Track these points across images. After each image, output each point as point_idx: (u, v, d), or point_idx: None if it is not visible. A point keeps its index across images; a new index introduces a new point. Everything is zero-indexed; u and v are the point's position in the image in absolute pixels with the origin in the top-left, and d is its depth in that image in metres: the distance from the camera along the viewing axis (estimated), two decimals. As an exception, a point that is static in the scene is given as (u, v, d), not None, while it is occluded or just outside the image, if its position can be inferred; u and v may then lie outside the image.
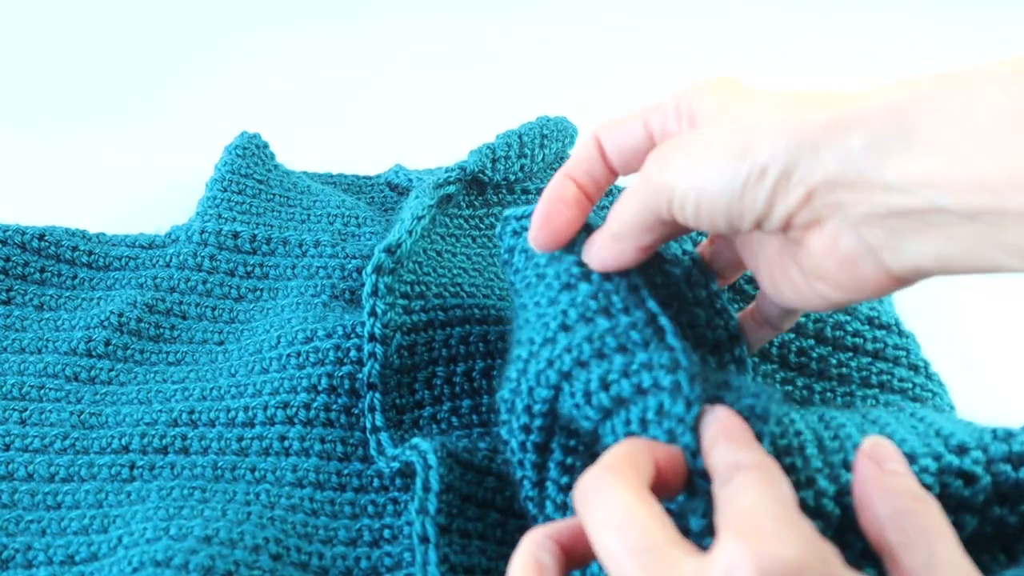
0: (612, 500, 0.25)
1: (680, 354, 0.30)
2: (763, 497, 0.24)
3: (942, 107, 0.25)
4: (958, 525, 0.29)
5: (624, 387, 0.30)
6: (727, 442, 0.27)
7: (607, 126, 0.34)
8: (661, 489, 0.28)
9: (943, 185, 0.24)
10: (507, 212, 0.39)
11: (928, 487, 0.29)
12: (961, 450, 0.30)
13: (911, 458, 0.30)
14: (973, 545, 0.32)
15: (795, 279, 0.31)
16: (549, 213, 0.34)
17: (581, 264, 0.34)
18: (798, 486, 0.29)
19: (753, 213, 0.28)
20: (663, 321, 0.31)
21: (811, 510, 0.28)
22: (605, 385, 0.30)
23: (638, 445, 0.28)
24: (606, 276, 0.33)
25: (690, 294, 0.35)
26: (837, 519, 0.29)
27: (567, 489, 0.33)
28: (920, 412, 0.34)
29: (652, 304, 0.32)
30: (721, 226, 0.29)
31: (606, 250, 0.33)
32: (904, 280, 0.28)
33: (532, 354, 0.33)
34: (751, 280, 0.47)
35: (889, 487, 0.27)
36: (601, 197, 0.35)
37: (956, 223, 0.25)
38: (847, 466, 0.29)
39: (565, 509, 0.33)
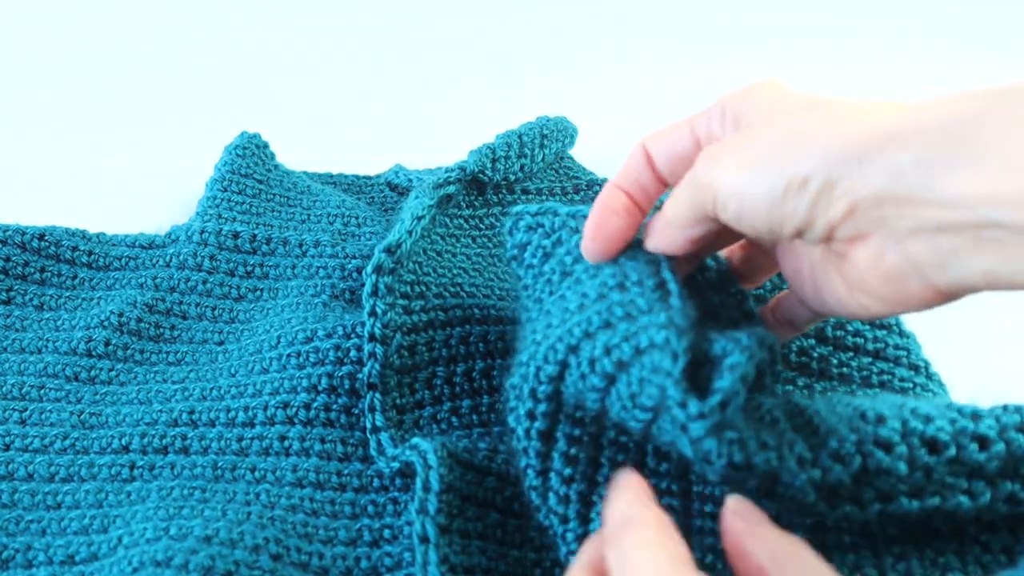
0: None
1: (676, 313, 0.30)
2: (652, 556, 0.25)
3: (1000, 121, 0.25)
4: (972, 493, 0.30)
5: (624, 350, 0.30)
6: (619, 499, 0.28)
7: (654, 135, 0.35)
8: None
9: (1001, 200, 0.24)
10: (517, 208, 0.39)
11: (944, 445, 0.30)
12: (975, 416, 0.31)
13: (903, 423, 0.31)
14: (982, 529, 0.33)
15: (838, 288, 0.31)
16: (601, 223, 0.34)
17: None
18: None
19: (794, 222, 0.28)
20: (671, 286, 0.32)
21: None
22: (607, 350, 0.31)
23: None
24: (630, 255, 0.34)
25: (716, 298, 0.36)
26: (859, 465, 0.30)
27: (570, 481, 0.33)
28: (901, 399, 0.35)
29: (665, 272, 0.32)
30: (762, 231, 0.29)
31: (659, 235, 0.33)
32: (950, 296, 0.28)
33: (546, 336, 0.33)
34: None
35: (761, 536, 0.28)
36: (652, 207, 0.36)
37: (1011, 239, 0.25)
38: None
39: (568, 502, 0.33)
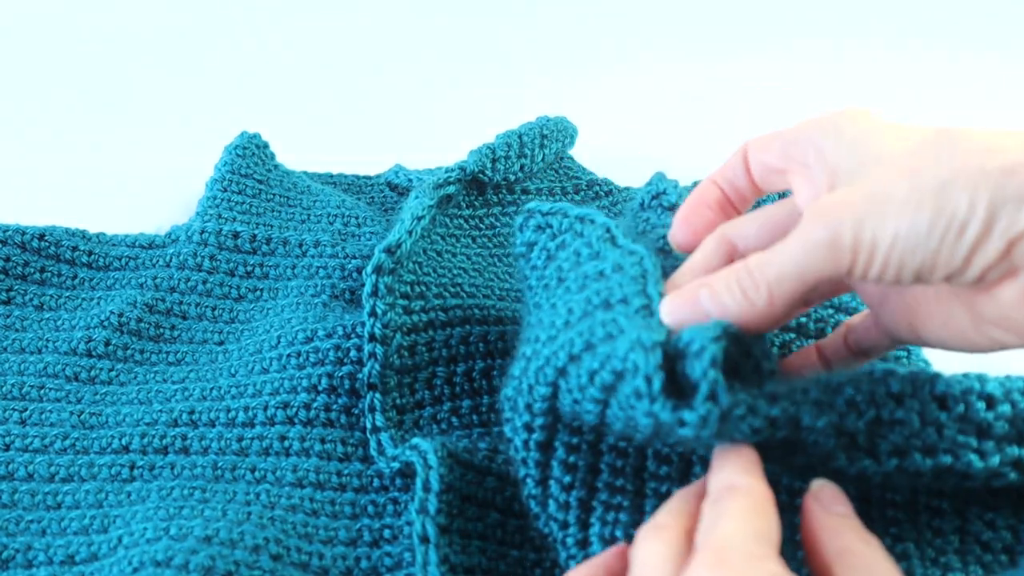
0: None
1: (644, 330, 0.29)
2: (744, 528, 0.25)
3: None
4: (981, 452, 0.31)
5: (605, 377, 0.30)
6: (731, 463, 0.28)
7: (757, 141, 0.33)
8: None
9: None
10: (530, 205, 0.38)
11: (954, 400, 0.31)
12: (981, 379, 0.32)
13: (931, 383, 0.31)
14: (985, 525, 0.33)
15: (960, 324, 0.29)
16: (691, 215, 0.34)
17: (602, 267, 0.34)
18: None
19: (948, 268, 0.27)
20: (655, 305, 0.31)
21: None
22: (591, 376, 0.30)
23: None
24: (617, 266, 0.33)
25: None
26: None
27: (570, 488, 0.33)
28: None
29: (652, 289, 0.31)
30: (906, 280, 0.28)
31: (745, 308, 0.29)
32: None
33: (535, 352, 0.33)
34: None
35: (836, 528, 0.27)
36: (746, 209, 0.35)
37: None
38: None
39: (568, 508, 0.33)
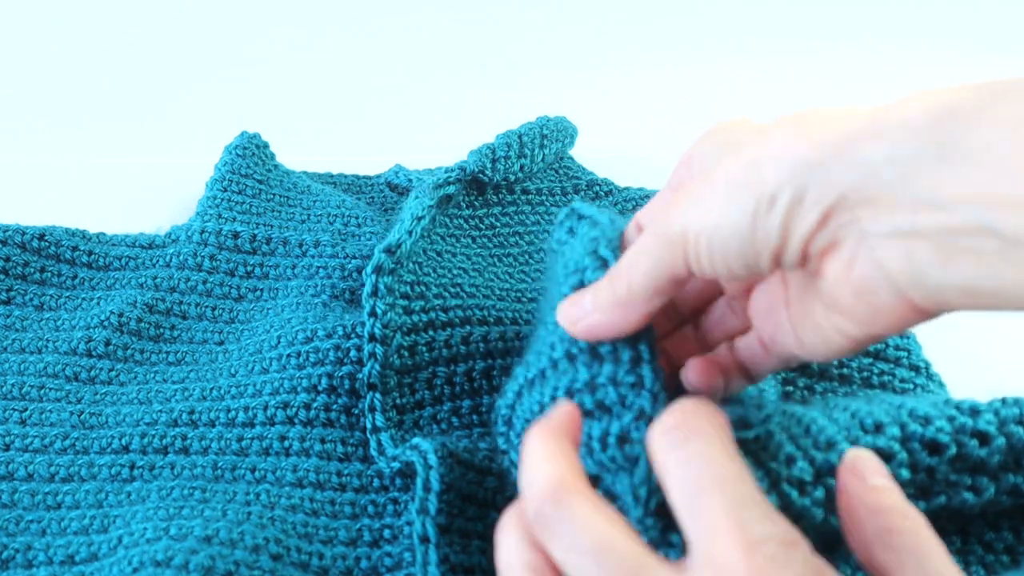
0: (583, 525, 0.24)
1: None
2: (729, 510, 0.23)
3: (990, 116, 0.22)
4: (976, 489, 0.30)
5: (603, 458, 0.29)
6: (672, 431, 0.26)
7: (644, 209, 0.33)
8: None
9: (990, 201, 0.22)
10: (576, 204, 0.36)
11: (945, 446, 0.30)
12: (974, 412, 0.31)
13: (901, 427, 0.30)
14: (985, 529, 0.33)
15: (816, 314, 0.28)
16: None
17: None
18: (777, 482, 0.29)
19: (768, 247, 0.26)
20: (645, 369, 0.29)
21: (793, 509, 0.29)
22: (589, 451, 0.29)
23: (569, 433, 0.27)
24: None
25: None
26: (821, 517, 0.29)
27: None
28: (899, 398, 0.35)
29: (643, 345, 0.29)
30: (739, 270, 0.27)
31: (607, 315, 0.29)
32: (926, 312, 0.25)
33: (528, 382, 0.33)
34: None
35: (875, 505, 0.26)
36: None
37: (995, 249, 0.22)
38: (820, 448, 0.30)
39: None
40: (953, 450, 0.30)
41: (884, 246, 0.24)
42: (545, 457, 0.26)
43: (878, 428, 0.30)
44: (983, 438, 0.30)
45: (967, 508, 0.31)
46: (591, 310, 0.30)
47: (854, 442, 0.30)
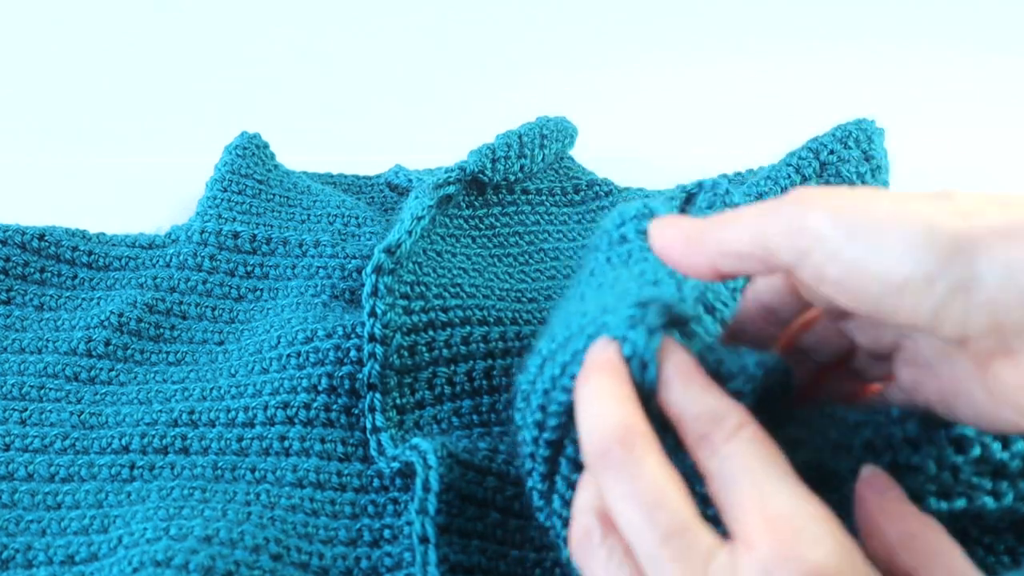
0: (642, 470, 0.23)
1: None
2: (780, 481, 0.22)
3: None
4: (996, 494, 0.30)
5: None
6: (692, 385, 0.25)
7: None
8: None
9: None
10: (624, 207, 0.34)
11: (970, 443, 0.30)
12: None
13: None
14: (985, 531, 0.33)
15: (976, 397, 0.24)
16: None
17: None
18: None
19: (915, 319, 0.22)
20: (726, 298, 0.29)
21: None
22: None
23: (622, 380, 0.25)
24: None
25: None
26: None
27: (576, 485, 0.33)
28: None
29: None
30: (863, 310, 0.23)
31: (685, 244, 0.26)
32: None
33: (551, 352, 0.33)
34: None
35: (893, 513, 0.26)
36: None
37: None
38: None
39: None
40: (977, 450, 0.30)
41: None
42: (612, 397, 0.24)
43: (904, 418, 0.30)
44: (1005, 441, 0.30)
45: (986, 513, 0.31)
46: (680, 233, 0.26)
47: (883, 427, 0.30)
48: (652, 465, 0.23)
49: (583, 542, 0.25)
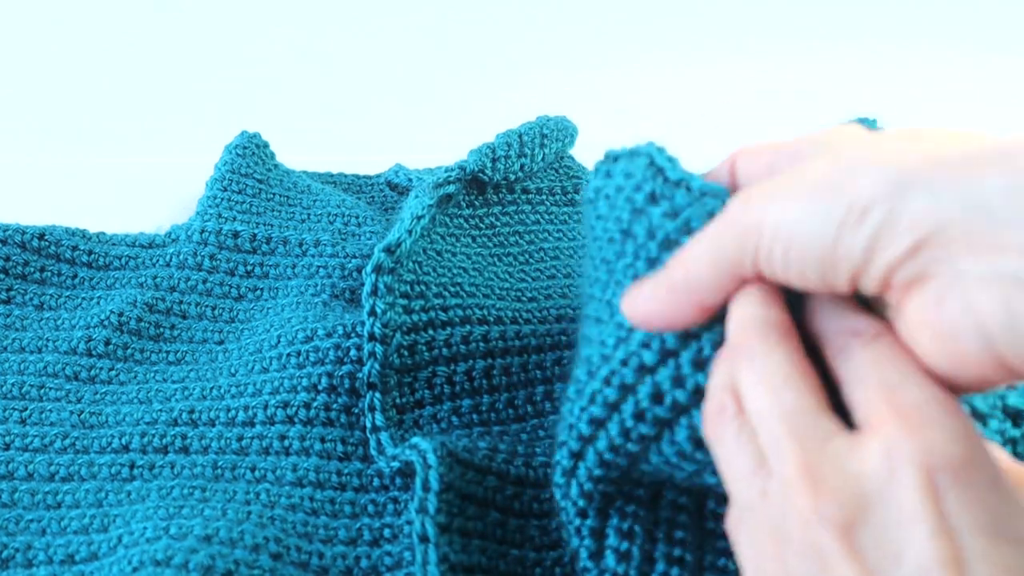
0: (773, 356, 0.24)
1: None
2: (915, 379, 0.22)
3: None
4: None
5: (679, 395, 0.27)
6: (835, 306, 0.25)
7: (746, 150, 0.30)
8: None
9: None
10: (610, 151, 0.33)
11: (980, 416, 0.30)
12: (1004, 394, 0.31)
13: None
14: None
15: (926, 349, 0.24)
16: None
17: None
18: None
19: (849, 264, 0.23)
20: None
21: None
22: (658, 397, 0.28)
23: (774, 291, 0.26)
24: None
25: None
26: None
27: (628, 556, 0.33)
28: None
29: (707, 345, 0.27)
30: (813, 280, 0.24)
31: (658, 304, 0.27)
32: (1015, 373, 0.22)
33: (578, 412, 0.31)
34: None
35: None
36: None
37: None
38: None
39: (591, 498, 0.32)
40: (982, 426, 0.30)
41: (980, 289, 0.21)
42: (761, 295, 0.25)
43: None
44: (1016, 416, 0.30)
45: None
46: (648, 297, 0.27)
47: None
48: (784, 352, 0.24)
49: (717, 417, 0.25)
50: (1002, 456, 0.23)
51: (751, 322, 0.25)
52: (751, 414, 0.24)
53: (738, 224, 0.25)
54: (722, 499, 0.32)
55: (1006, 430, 0.30)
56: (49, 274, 0.50)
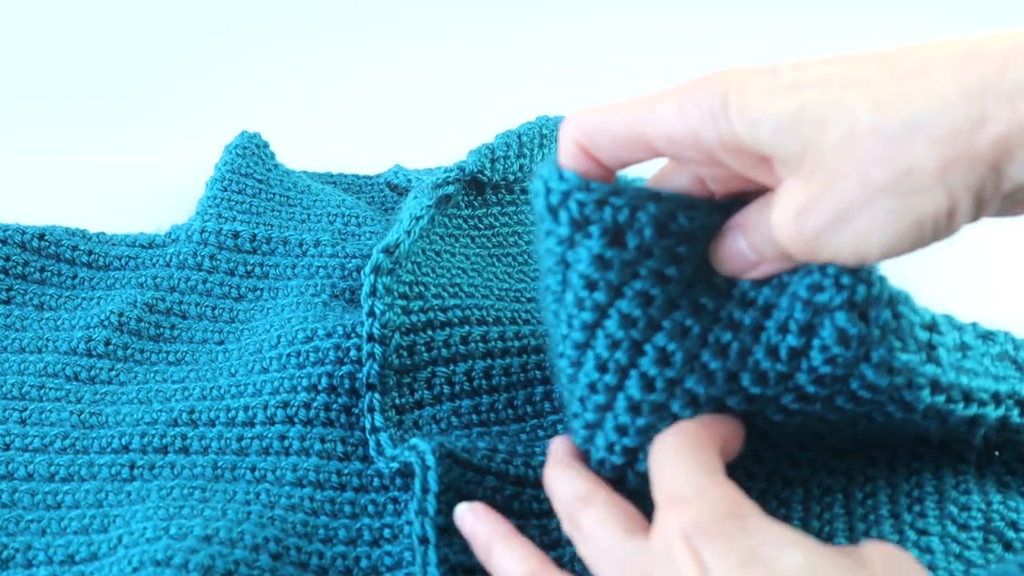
0: (596, 506, 0.31)
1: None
2: (686, 464, 0.28)
3: None
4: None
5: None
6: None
7: (579, 128, 0.30)
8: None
9: None
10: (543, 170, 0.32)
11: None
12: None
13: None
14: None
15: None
16: None
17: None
18: None
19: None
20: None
21: None
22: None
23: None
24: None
25: None
26: None
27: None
28: None
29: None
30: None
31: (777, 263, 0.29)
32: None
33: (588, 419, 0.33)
34: None
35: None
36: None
37: None
38: None
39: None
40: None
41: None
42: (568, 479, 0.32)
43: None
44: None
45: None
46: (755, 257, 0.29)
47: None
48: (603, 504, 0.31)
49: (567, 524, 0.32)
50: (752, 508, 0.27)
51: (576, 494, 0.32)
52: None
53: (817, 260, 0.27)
54: None
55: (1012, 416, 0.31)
56: (49, 274, 0.50)
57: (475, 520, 0.33)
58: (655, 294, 0.30)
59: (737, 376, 0.30)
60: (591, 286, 0.30)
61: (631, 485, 0.32)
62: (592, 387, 0.31)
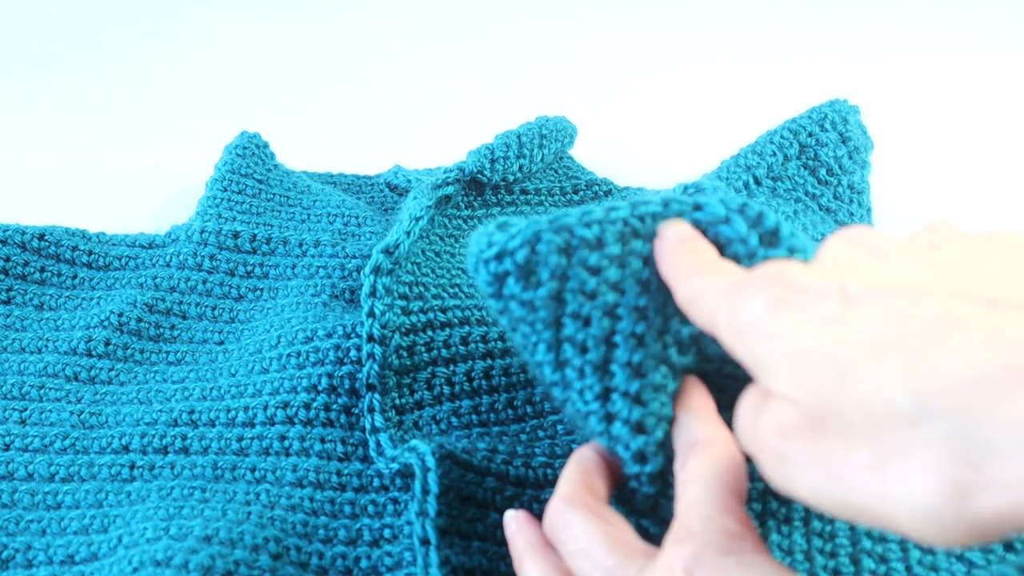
0: (574, 530, 0.29)
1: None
2: (700, 493, 0.27)
3: None
4: None
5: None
6: (686, 413, 0.29)
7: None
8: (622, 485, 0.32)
9: None
10: (490, 233, 0.32)
11: None
12: None
13: None
14: None
15: None
16: None
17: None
18: None
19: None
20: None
21: None
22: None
23: (588, 463, 0.31)
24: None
25: None
26: None
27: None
28: None
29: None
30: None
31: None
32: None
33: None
34: None
35: None
36: None
37: None
38: None
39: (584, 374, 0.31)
40: None
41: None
42: (560, 489, 0.31)
43: None
44: None
45: None
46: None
47: None
48: (581, 523, 0.30)
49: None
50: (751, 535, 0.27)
51: (549, 518, 0.31)
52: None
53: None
54: None
55: None
56: (49, 274, 0.50)
57: (515, 529, 0.33)
58: (590, 312, 0.30)
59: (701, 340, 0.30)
60: (535, 331, 0.30)
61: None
62: (587, 416, 0.31)
